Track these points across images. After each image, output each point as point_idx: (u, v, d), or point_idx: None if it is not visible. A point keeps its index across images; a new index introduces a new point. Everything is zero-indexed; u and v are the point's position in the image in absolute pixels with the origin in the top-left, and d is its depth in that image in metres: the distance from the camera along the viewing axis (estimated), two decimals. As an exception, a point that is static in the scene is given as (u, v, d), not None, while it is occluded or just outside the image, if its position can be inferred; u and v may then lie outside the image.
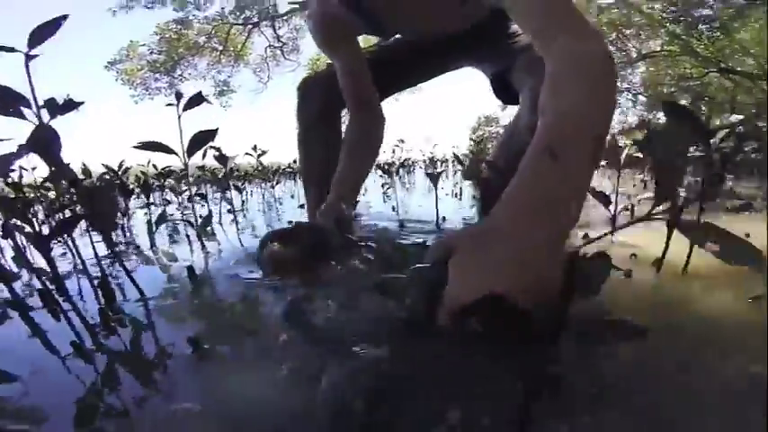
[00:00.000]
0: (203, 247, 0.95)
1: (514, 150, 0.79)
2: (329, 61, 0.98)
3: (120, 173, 1.50)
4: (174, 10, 8.86)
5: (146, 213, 1.47)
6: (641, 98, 11.02)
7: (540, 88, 0.48)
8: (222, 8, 9.25)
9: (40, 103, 0.53)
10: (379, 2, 0.80)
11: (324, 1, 0.82)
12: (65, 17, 0.55)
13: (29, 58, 0.54)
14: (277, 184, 2.80)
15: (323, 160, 0.99)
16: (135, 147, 0.75)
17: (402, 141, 3.04)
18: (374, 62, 1.04)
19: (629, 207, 1.02)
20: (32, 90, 0.54)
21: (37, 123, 0.53)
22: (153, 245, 1.04)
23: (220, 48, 9.64)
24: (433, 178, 0.97)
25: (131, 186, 1.41)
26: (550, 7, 0.49)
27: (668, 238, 0.60)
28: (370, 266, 0.63)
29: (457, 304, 0.33)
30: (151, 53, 9.25)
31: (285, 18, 9.63)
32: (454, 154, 1.08)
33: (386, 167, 2.17)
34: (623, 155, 0.89)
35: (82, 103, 0.53)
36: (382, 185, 2.32)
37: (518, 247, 0.34)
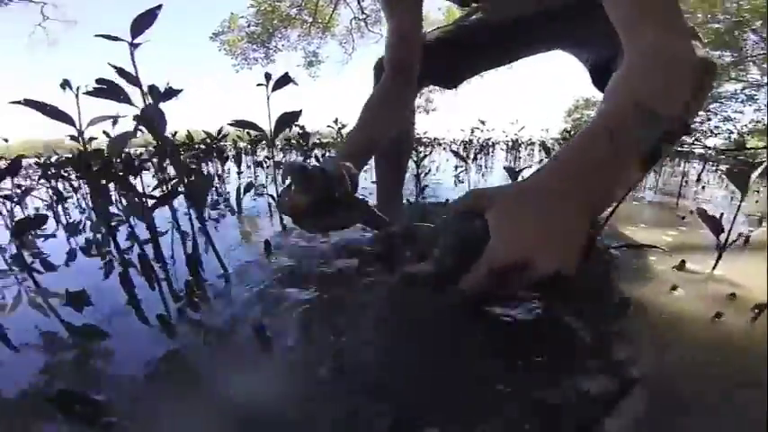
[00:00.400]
0: (281, 218, 1.00)
1: None
2: None
3: (218, 139, 1.64)
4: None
5: (238, 179, 1.57)
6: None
7: None
8: (310, -22, 9.47)
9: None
10: None
11: None
12: (159, 7, 0.58)
13: (133, 46, 0.59)
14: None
15: (395, 139, 0.99)
16: (229, 124, 0.82)
17: (483, 123, 2.86)
18: (452, 42, 0.97)
19: (747, 235, 0.85)
20: (136, 74, 0.60)
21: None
22: (240, 212, 1.13)
23: (310, 20, 9.93)
24: (512, 174, 0.89)
25: (226, 154, 1.53)
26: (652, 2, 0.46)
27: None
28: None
29: (500, 262, 0.33)
30: (249, 25, 9.85)
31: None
32: (542, 143, 0.97)
33: (459, 150, 2.08)
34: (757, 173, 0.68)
35: (181, 90, 0.57)
36: (455, 167, 2.24)
37: (556, 210, 0.35)
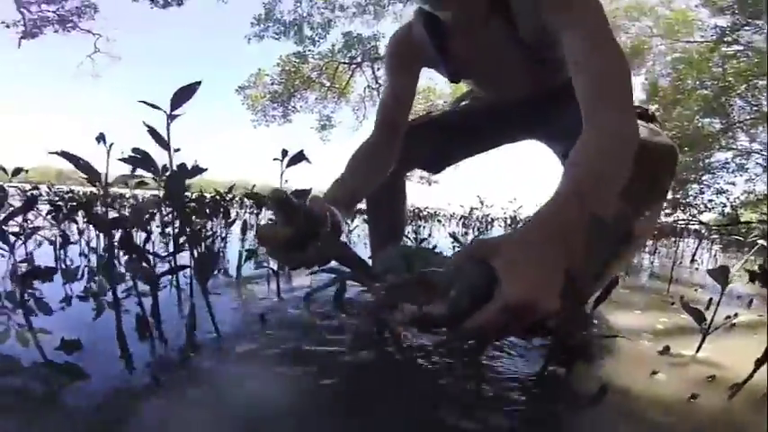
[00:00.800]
0: (278, 289, 1.01)
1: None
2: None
3: (227, 200, 1.69)
4: (294, 43, 9.94)
5: (240, 248, 1.57)
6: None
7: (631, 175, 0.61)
8: (333, 45, 10.22)
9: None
10: (460, 44, 0.81)
11: (415, 23, 0.85)
12: (199, 83, 0.64)
13: (170, 118, 0.64)
14: (353, 220, 2.92)
15: (387, 202, 1.06)
16: (245, 196, 0.87)
17: (482, 202, 2.97)
18: (442, 124, 1.05)
19: (732, 317, 0.87)
20: (169, 143, 0.64)
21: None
22: (239, 278, 1.14)
23: (328, 84, 10.63)
24: None
25: (232, 218, 1.56)
26: (609, 88, 0.58)
27: (762, 361, 0.53)
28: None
29: (515, 301, 0.38)
30: (272, 83, 10.51)
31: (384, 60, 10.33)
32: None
33: (458, 224, 2.13)
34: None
35: (206, 169, 0.63)
36: (453, 246, 2.27)
37: (547, 261, 0.41)
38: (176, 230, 0.69)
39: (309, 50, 10.16)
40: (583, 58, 0.62)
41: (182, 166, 0.62)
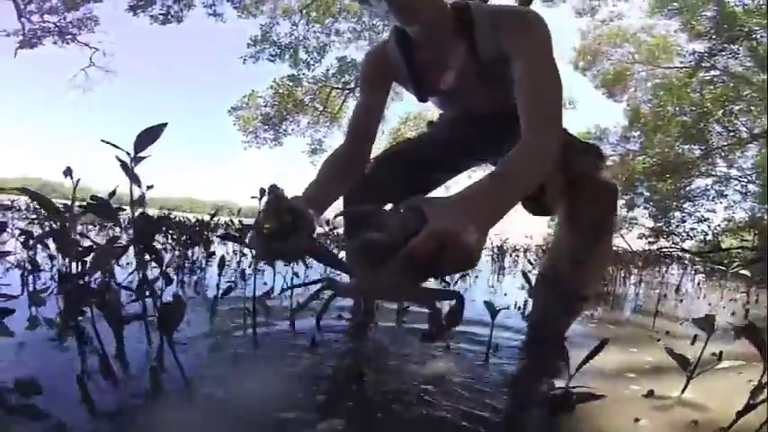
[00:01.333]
0: (254, 328, 0.97)
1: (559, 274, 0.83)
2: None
3: (210, 228, 1.66)
4: (289, 66, 10.04)
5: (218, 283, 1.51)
6: (752, 188, 9.14)
7: (576, 209, 0.81)
8: (327, 69, 10.29)
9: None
10: (427, 59, 0.87)
11: (389, 41, 0.91)
12: (165, 125, 0.63)
13: (134, 161, 0.63)
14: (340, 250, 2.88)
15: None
16: (222, 237, 0.86)
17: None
18: (409, 158, 1.08)
19: (717, 358, 0.85)
20: (131, 186, 0.64)
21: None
22: (214, 314, 1.10)
23: (321, 108, 10.67)
24: (492, 312, 0.93)
25: (213, 249, 1.53)
26: (541, 109, 0.69)
27: (750, 406, 0.53)
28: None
29: (438, 230, 0.48)
30: (265, 106, 10.51)
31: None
32: (523, 272, 1.00)
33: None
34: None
35: (172, 218, 0.61)
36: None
37: (462, 215, 0.51)
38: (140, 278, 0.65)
39: (304, 74, 10.24)
40: (525, 79, 0.72)
41: (142, 214, 0.60)
